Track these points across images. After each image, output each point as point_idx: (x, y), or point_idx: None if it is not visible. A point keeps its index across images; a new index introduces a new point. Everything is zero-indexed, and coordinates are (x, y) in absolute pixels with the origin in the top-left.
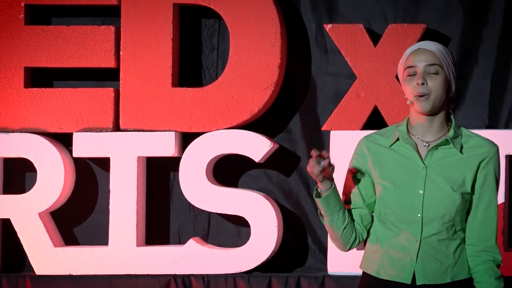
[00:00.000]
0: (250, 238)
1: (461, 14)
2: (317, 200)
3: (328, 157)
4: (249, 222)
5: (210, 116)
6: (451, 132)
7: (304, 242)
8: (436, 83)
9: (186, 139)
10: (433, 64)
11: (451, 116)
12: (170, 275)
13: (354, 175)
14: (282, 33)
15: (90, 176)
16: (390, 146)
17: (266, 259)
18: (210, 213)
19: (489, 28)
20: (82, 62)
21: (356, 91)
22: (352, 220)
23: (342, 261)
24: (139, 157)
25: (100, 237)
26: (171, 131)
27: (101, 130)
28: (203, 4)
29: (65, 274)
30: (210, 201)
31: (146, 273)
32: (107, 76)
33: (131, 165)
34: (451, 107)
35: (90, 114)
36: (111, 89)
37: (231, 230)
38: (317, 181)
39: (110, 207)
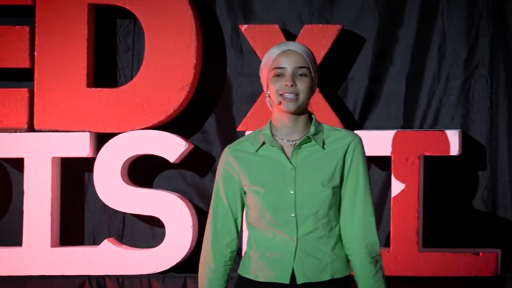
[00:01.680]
0: (165, 238)
1: (376, 15)
2: None
3: None
4: (164, 222)
5: (125, 116)
6: (312, 129)
7: None
8: (305, 85)
9: (101, 139)
10: (302, 67)
11: (312, 114)
12: (84, 276)
13: (223, 185)
14: (198, 34)
15: (4, 177)
16: (256, 151)
17: (181, 259)
18: (125, 213)
19: (404, 29)
20: None
21: None
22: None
23: None
24: (53, 158)
25: (14, 238)
26: (85, 131)
27: (15, 130)
28: (118, 4)
29: None
30: (125, 202)
31: (60, 274)
32: (22, 76)
33: (45, 165)
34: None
35: (4, 115)
36: (25, 89)
37: (146, 230)
38: None
39: (24, 207)
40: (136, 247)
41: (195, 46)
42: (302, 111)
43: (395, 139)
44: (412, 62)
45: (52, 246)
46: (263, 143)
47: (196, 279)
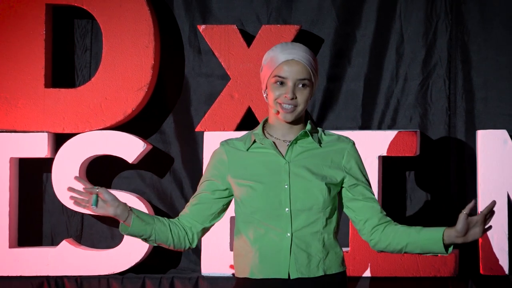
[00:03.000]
0: (124, 239)
1: (334, 15)
2: (128, 233)
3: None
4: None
5: (83, 117)
6: (308, 126)
7: None
8: (304, 97)
9: (59, 140)
10: (303, 79)
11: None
12: (43, 276)
13: (212, 176)
14: (156, 34)
15: None
16: (247, 150)
17: (140, 260)
18: (83, 214)
19: (362, 30)
20: None
21: (229, 92)
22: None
23: (215, 262)
24: (11, 158)
25: None
26: (43, 132)
27: None
28: (75, 4)
29: None
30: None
31: (19, 275)
32: None
33: (3, 166)
34: None
35: None
36: None
37: (104, 231)
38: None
39: None
40: (95, 247)
41: (153, 47)
42: (300, 118)
43: (353, 140)
44: (370, 63)
45: (10, 247)
46: (254, 141)
47: (155, 280)
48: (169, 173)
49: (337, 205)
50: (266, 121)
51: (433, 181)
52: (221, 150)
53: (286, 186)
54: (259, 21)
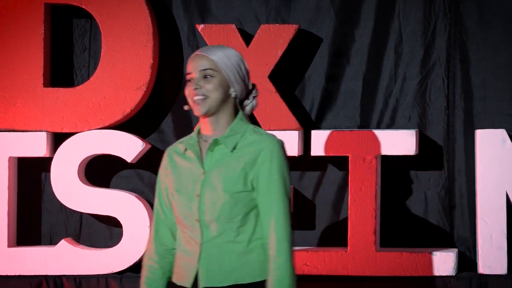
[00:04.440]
0: (123, 238)
1: (332, 15)
2: None
3: None
4: (121, 222)
5: (82, 116)
6: (226, 132)
7: None
8: (211, 86)
9: (57, 139)
10: (206, 69)
11: (241, 115)
12: (41, 276)
13: (161, 183)
14: (154, 33)
15: None
16: (183, 153)
17: (139, 259)
18: (82, 213)
19: (360, 29)
20: None
21: None
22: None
23: None
24: (10, 157)
25: None
26: (42, 131)
27: None
28: (74, 3)
29: None
30: (82, 202)
31: (17, 274)
32: None
33: (1, 165)
34: (248, 105)
35: None
36: None
37: (103, 230)
38: None
39: None
40: (94, 247)
41: (152, 46)
42: (217, 112)
43: (352, 139)
44: (369, 62)
45: (9, 246)
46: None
47: None
48: None
49: (255, 210)
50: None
51: (432, 181)
52: (165, 155)
53: (197, 196)
54: (257, 20)
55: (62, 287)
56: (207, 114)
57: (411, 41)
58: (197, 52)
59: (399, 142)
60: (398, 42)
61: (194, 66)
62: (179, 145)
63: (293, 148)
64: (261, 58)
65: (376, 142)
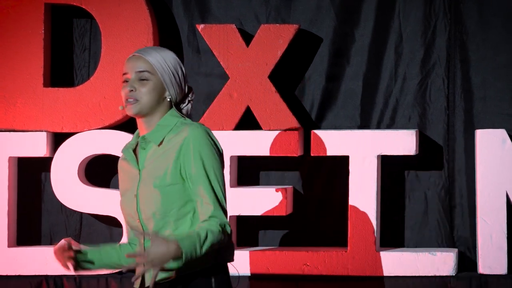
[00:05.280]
0: (122, 238)
1: (332, 15)
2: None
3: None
4: (121, 222)
5: (82, 116)
6: (154, 128)
7: None
8: (145, 89)
9: (58, 139)
10: (142, 71)
11: (174, 110)
12: (41, 276)
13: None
14: (154, 33)
15: None
16: (124, 156)
17: None
18: (82, 213)
19: (360, 29)
20: None
21: (228, 92)
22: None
23: None
24: (10, 157)
25: None
26: (42, 131)
27: None
28: (74, 3)
29: None
30: (82, 202)
31: (17, 274)
32: None
33: (2, 165)
34: (183, 108)
35: None
36: None
37: (103, 230)
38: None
39: None
40: None
41: (152, 46)
42: (150, 113)
43: (352, 139)
44: (369, 62)
45: (9, 246)
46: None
47: None
48: None
49: (192, 202)
50: None
51: (432, 181)
52: (120, 157)
53: (134, 197)
54: (258, 20)
55: (62, 287)
56: (138, 115)
57: (411, 41)
58: (134, 53)
59: (399, 142)
60: (398, 42)
61: (130, 67)
62: (127, 144)
63: (293, 148)
64: (261, 58)
65: (376, 142)
